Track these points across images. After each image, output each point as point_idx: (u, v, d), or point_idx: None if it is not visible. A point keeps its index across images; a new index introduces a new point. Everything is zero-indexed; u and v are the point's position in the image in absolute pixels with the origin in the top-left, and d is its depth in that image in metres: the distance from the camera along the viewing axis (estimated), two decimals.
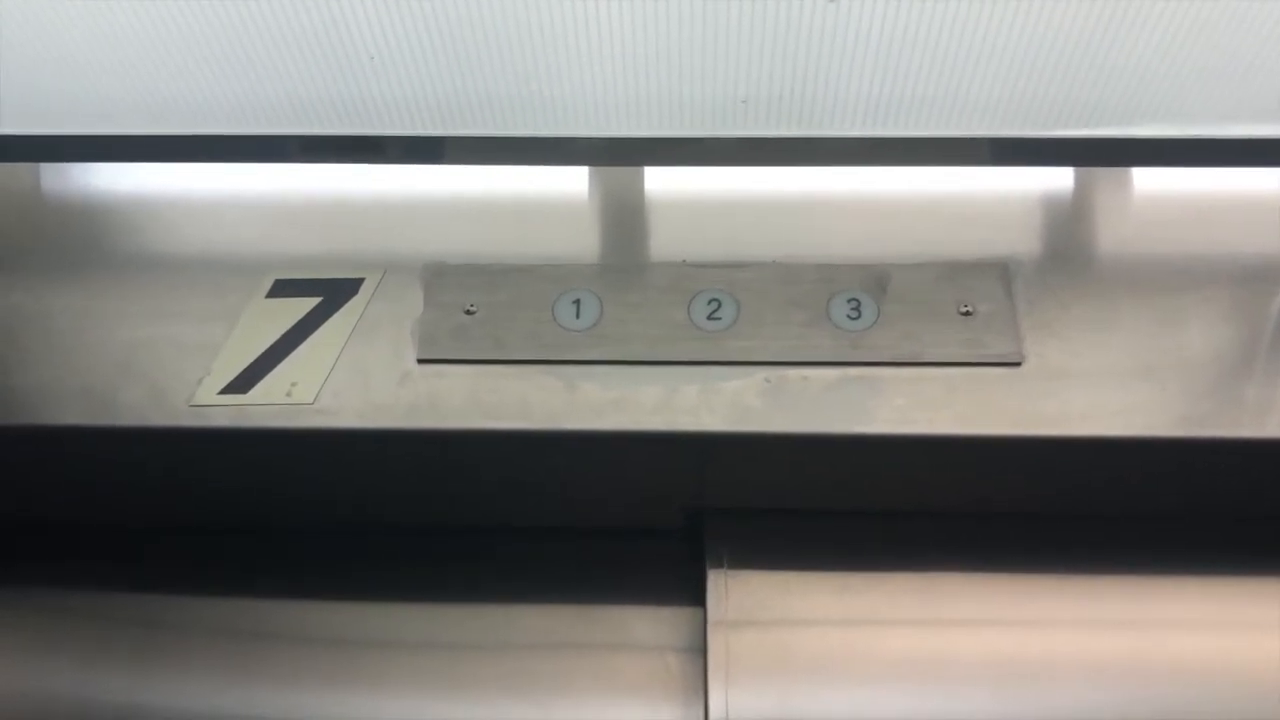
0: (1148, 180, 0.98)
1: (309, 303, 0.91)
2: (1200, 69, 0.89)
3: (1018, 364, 0.87)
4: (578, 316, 0.90)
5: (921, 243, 0.93)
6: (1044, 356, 0.87)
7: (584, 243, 0.96)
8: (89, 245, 0.97)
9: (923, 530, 0.92)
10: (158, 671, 0.91)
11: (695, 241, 0.94)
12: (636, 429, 0.85)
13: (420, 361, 0.88)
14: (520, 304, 0.90)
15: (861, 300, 0.89)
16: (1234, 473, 0.87)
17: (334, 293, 0.92)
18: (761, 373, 0.87)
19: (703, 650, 0.87)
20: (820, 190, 0.98)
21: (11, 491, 0.93)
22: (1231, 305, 0.89)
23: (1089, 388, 0.85)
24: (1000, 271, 0.91)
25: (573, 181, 1.00)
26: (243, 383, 0.87)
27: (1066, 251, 0.94)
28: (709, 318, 0.89)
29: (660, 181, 0.99)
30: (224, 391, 0.87)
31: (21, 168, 1.02)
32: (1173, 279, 0.90)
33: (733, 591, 0.89)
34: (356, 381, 0.87)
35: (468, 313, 0.90)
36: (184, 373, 0.88)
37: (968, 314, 0.89)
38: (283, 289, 0.93)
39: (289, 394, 0.87)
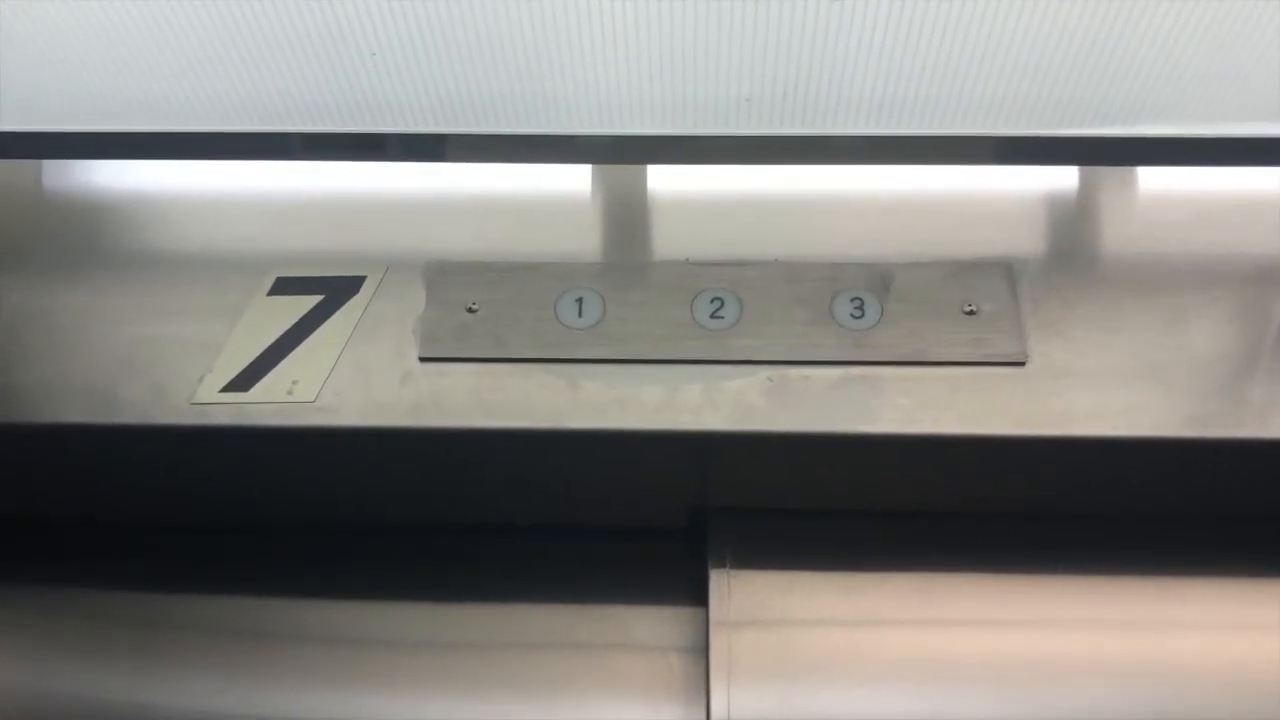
0: (1153, 179, 0.98)
1: (310, 300, 0.91)
2: (1206, 67, 0.89)
3: (1022, 363, 0.86)
4: (580, 315, 0.89)
5: (925, 242, 0.93)
6: (1048, 356, 0.86)
7: (586, 241, 0.95)
8: (90, 242, 0.97)
9: (926, 530, 0.92)
10: (158, 670, 0.91)
11: (698, 240, 0.93)
12: (639, 428, 0.85)
13: (422, 360, 0.88)
14: (522, 302, 0.90)
15: (865, 299, 0.89)
16: (1239, 473, 0.87)
17: (336, 291, 0.92)
18: (764, 372, 0.86)
19: (705, 650, 0.87)
20: (824, 189, 0.97)
21: (12, 489, 0.93)
22: (1237, 305, 0.89)
23: (1094, 387, 0.85)
24: (1004, 271, 0.91)
25: (575, 179, 1.00)
26: (244, 381, 0.87)
27: (1071, 251, 0.93)
28: (712, 316, 0.89)
29: (663, 180, 0.99)
30: (225, 389, 0.87)
31: (23, 165, 1.02)
32: (1178, 278, 0.90)
33: (735, 591, 0.89)
34: (358, 380, 0.87)
35: (470, 311, 0.90)
36: (185, 370, 0.88)
37: (972, 313, 0.88)
38: (284, 287, 0.92)
39: (290, 392, 0.87)
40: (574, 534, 0.97)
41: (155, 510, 0.96)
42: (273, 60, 0.91)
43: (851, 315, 0.89)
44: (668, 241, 0.95)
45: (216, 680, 0.90)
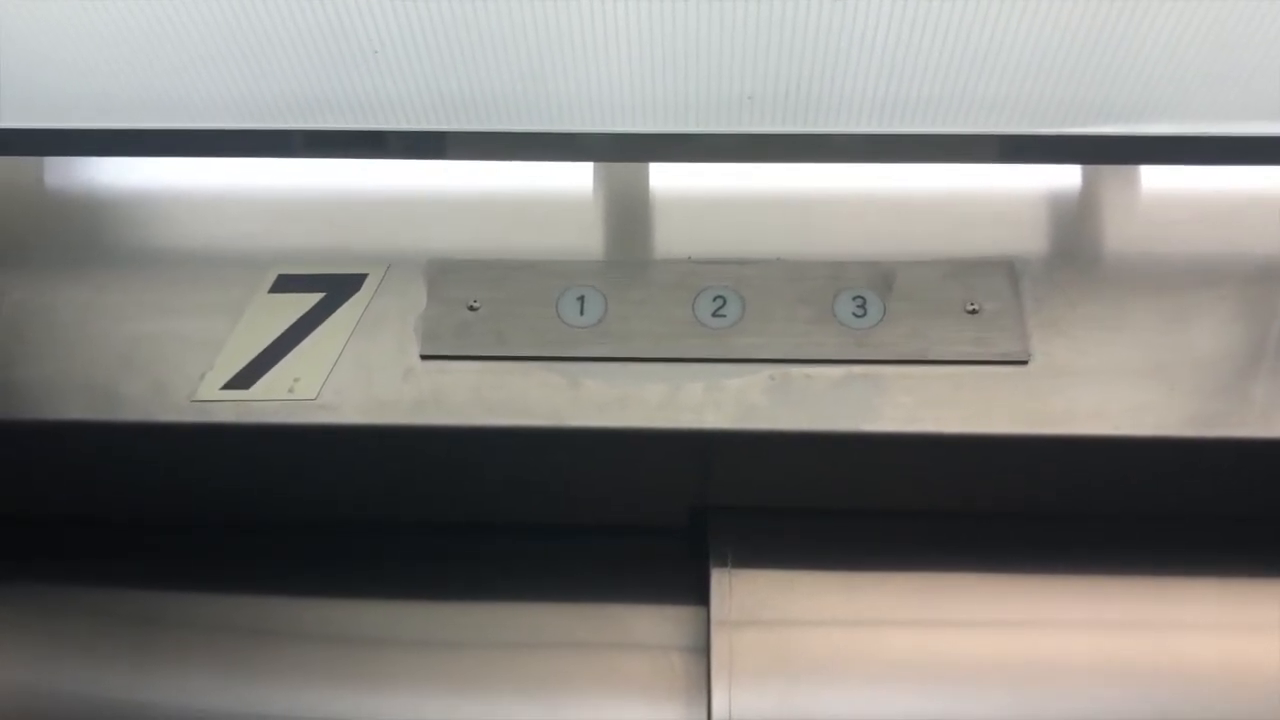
0: (1156, 178, 0.98)
1: (312, 298, 0.91)
2: (1208, 66, 0.89)
3: (1024, 362, 0.86)
4: (582, 313, 0.89)
5: (928, 240, 0.92)
6: (1051, 355, 0.86)
7: (588, 239, 0.95)
8: (92, 239, 0.97)
9: (928, 530, 0.92)
10: (158, 668, 0.91)
11: (700, 238, 0.93)
12: (640, 426, 0.85)
13: (423, 358, 0.88)
14: (524, 300, 0.90)
15: (867, 298, 0.89)
16: (1242, 473, 0.87)
17: (337, 288, 0.92)
18: (766, 370, 0.86)
19: (706, 649, 0.87)
20: (826, 187, 0.97)
21: (13, 486, 0.93)
22: (1240, 304, 0.88)
23: (1096, 386, 0.85)
24: (1007, 269, 0.90)
25: (577, 177, 1.00)
26: (245, 378, 0.87)
27: (1074, 250, 0.93)
28: (714, 315, 0.89)
29: (665, 178, 0.99)
30: (226, 387, 0.87)
31: (24, 162, 1.02)
32: (1181, 277, 0.90)
33: (736, 590, 0.89)
34: (359, 377, 0.87)
35: (471, 309, 0.90)
36: (186, 368, 0.88)
37: (974, 312, 0.88)
38: (286, 284, 0.92)
39: (291, 390, 0.87)
40: (575, 533, 0.97)
41: (156, 508, 0.96)
42: (274, 57, 0.91)
43: (854, 314, 0.88)
44: (669, 240, 0.95)
45: (216, 678, 0.90)
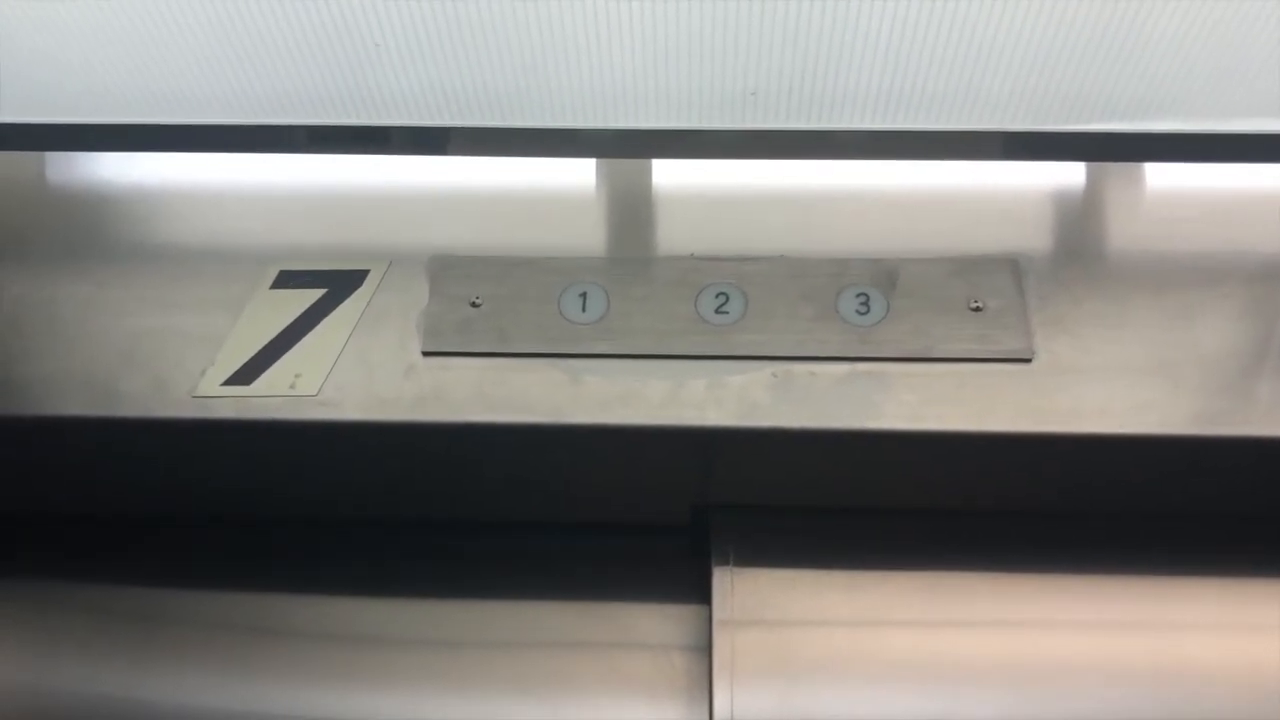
0: (1160, 176, 0.98)
1: (313, 294, 0.91)
2: (1214, 63, 0.89)
3: (1028, 360, 0.86)
4: (584, 310, 0.89)
5: (932, 237, 0.92)
6: (1055, 352, 0.86)
7: (591, 235, 0.95)
8: (93, 235, 0.97)
9: (931, 528, 0.91)
10: (157, 665, 0.90)
11: (703, 235, 0.93)
12: (642, 424, 0.84)
13: (425, 354, 0.88)
14: (526, 297, 0.90)
15: (870, 295, 0.89)
16: (1247, 471, 0.86)
17: (339, 284, 0.91)
18: (769, 367, 0.86)
19: (707, 648, 0.86)
20: (830, 184, 0.97)
21: (13, 483, 0.93)
22: (1245, 302, 0.88)
23: (1101, 384, 0.84)
24: (1011, 266, 0.90)
25: (580, 174, 1.00)
26: (246, 374, 0.87)
27: (1078, 247, 0.93)
28: (716, 311, 0.89)
29: (668, 174, 0.99)
30: (227, 383, 0.87)
31: (26, 157, 1.02)
32: (1185, 275, 0.90)
33: (738, 589, 0.88)
34: (361, 374, 0.87)
35: (473, 305, 0.90)
36: (187, 364, 0.88)
37: (978, 309, 0.88)
38: (287, 280, 0.92)
39: (293, 386, 0.86)
40: (576, 531, 0.96)
41: (155, 505, 0.96)
42: (276, 53, 0.91)
43: (857, 311, 0.88)
44: (672, 236, 0.95)
45: (215, 676, 0.89)
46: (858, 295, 0.89)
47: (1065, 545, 0.90)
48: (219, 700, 0.88)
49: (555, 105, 0.93)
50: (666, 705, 0.87)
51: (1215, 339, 0.86)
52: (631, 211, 0.98)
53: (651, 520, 0.95)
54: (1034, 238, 0.93)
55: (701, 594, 0.89)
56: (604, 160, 0.99)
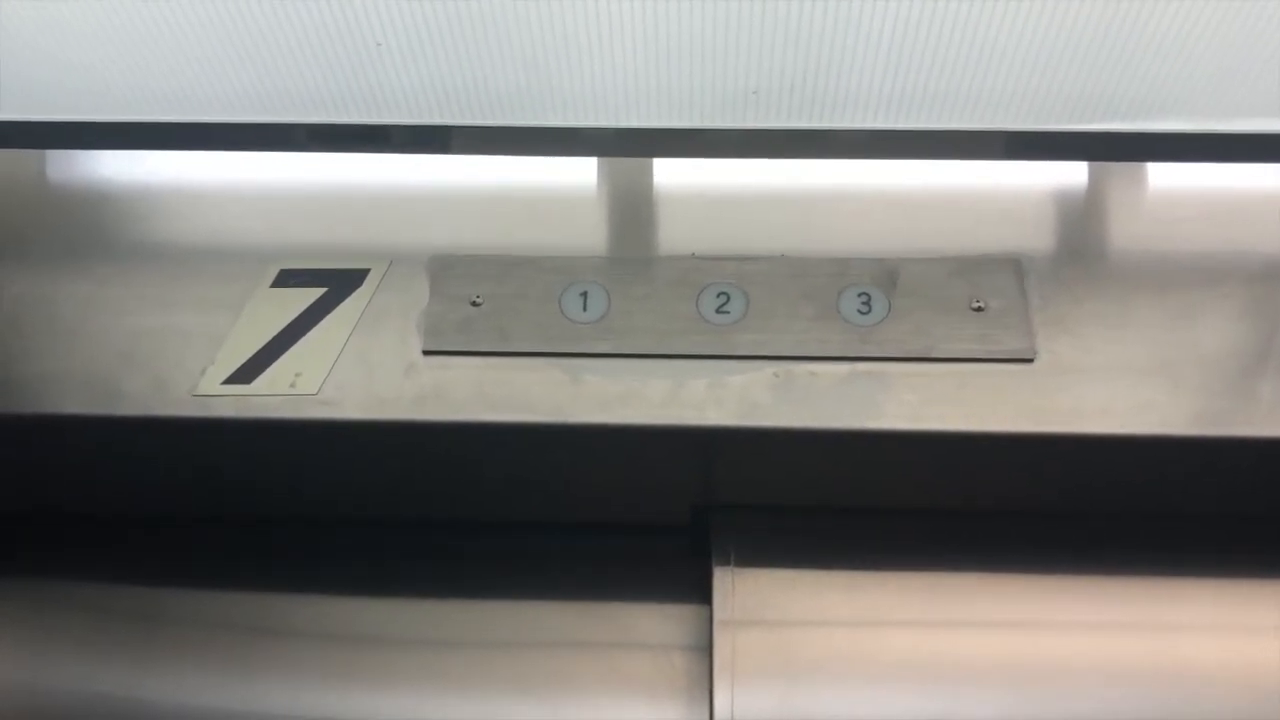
0: (1163, 176, 0.97)
1: (314, 293, 0.91)
2: (1216, 62, 0.89)
3: (1030, 360, 0.86)
4: (585, 309, 0.89)
5: (933, 237, 0.92)
6: (1056, 353, 0.86)
7: (591, 235, 0.95)
8: (93, 233, 0.97)
9: (932, 528, 0.91)
10: (157, 664, 0.90)
11: (704, 234, 0.93)
12: (643, 423, 0.84)
13: (425, 353, 0.88)
14: (527, 296, 0.90)
15: (872, 294, 0.89)
16: (1249, 471, 0.86)
17: (339, 283, 0.91)
18: (770, 367, 0.86)
19: (708, 649, 0.86)
20: (831, 183, 0.97)
21: (12, 481, 0.93)
22: (1247, 302, 0.88)
23: (1102, 384, 0.84)
24: (1013, 266, 0.90)
25: (581, 173, 0.99)
26: (246, 373, 0.87)
27: (1080, 247, 0.93)
28: (717, 311, 0.88)
29: (669, 173, 0.99)
30: (227, 382, 0.86)
31: (26, 155, 1.02)
32: (1187, 275, 0.90)
33: (739, 589, 0.88)
34: (361, 373, 0.87)
35: (474, 304, 0.90)
36: (187, 362, 0.88)
37: (979, 309, 0.88)
38: (287, 279, 0.92)
39: (293, 385, 0.86)
40: (576, 530, 0.96)
41: (155, 504, 0.96)
42: (277, 51, 0.91)
43: (858, 311, 0.88)
44: (673, 236, 0.95)
45: (215, 675, 0.89)
46: (859, 295, 0.89)
47: (1066, 546, 0.90)
48: (219, 700, 0.88)
49: (556, 104, 0.93)
50: (667, 705, 0.87)
51: (1217, 339, 0.86)
52: (633, 210, 0.98)
53: (652, 520, 0.95)
54: (1035, 237, 0.93)
55: (702, 594, 0.89)
56: (605, 159, 0.99)
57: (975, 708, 0.85)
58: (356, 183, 0.99)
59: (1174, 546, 0.90)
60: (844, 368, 0.86)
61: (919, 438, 0.84)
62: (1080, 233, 0.94)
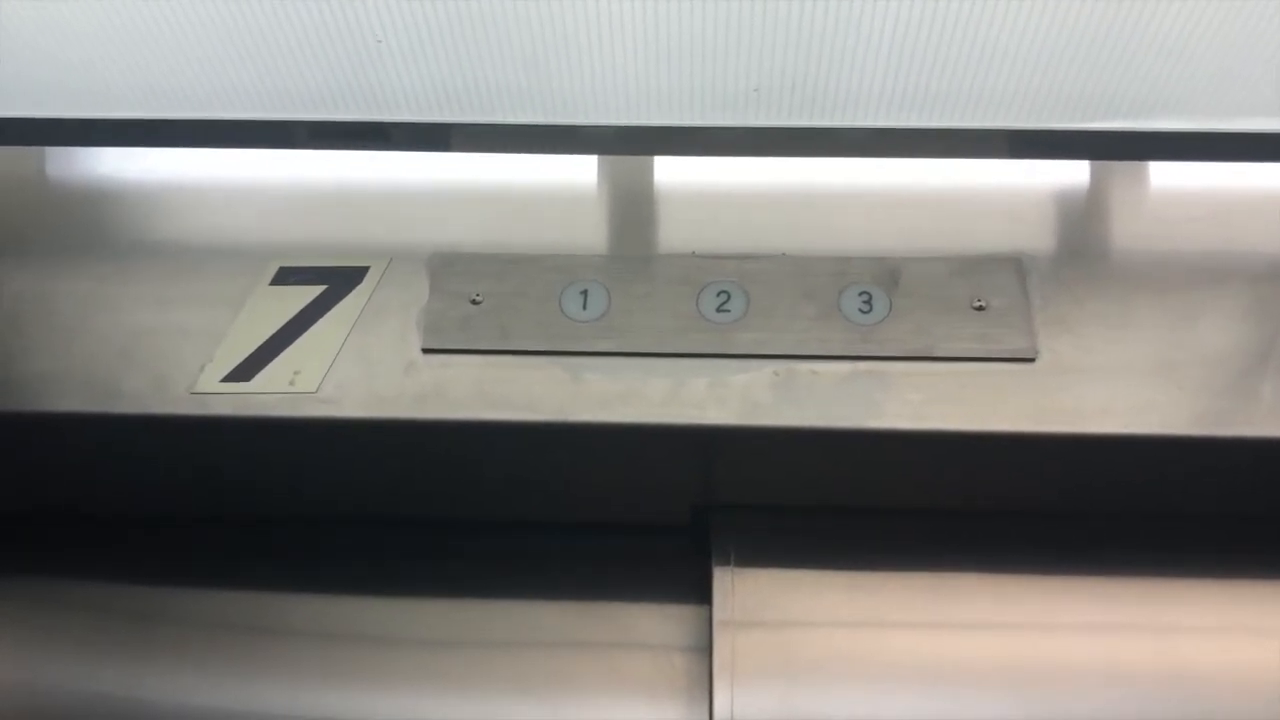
0: (1165, 175, 0.97)
1: (313, 291, 0.91)
2: (1218, 61, 0.89)
3: (1031, 360, 0.86)
4: (585, 307, 0.89)
5: (935, 236, 0.92)
6: (1058, 352, 0.86)
7: (592, 233, 0.95)
8: (93, 231, 0.97)
9: (933, 528, 0.91)
10: (156, 664, 0.90)
11: (705, 233, 0.93)
12: (643, 422, 0.84)
13: (425, 351, 0.88)
14: (527, 294, 0.90)
15: (873, 293, 0.88)
16: (1250, 472, 0.86)
17: (339, 281, 0.91)
18: (771, 366, 0.86)
19: (708, 649, 0.86)
20: (832, 182, 0.97)
21: (11, 480, 0.92)
22: (1249, 302, 0.88)
23: (1104, 384, 0.84)
24: (1014, 266, 0.90)
25: (581, 171, 0.99)
26: (245, 371, 0.87)
27: (1082, 246, 0.93)
28: (718, 310, 0.88)
29: (670, 171, 0.99)
30: (226, 379, 0.86)
31: (26, 152, 1.02)
32: (1189, 275, 0.90)
33: (739, 590, 0.88)
34: (360, 371, 0.87)
35: (474, 302, 0.89)
36: (186, 360, 0.87)
37: (981, 308, 0.88)
38: (287, 276, 0.92)
39: (292, 383, 0.86)
40: (576, 530, 0.96)
41: (154, 502, 0.96)
42: (278, 49, 0.91)
43: (859, 310, 0.88)
44: (674, 234, 0.94)
45: (214, 675, 0.89)
46: (860, 294, 0.89)
47: (1067, 546, 0.90)
48: (218, 699, 0.88)
49: (557, 102, 0.93)
50: (666, 706, 0.87)
51: (1218, 339, 0.86)
52: (633, 209, 0.97)
53: (652, 520, 0.94)
54: (1037, 237, 0.93)
55: (702, 594, 0.89)
56: (606, 157, 0.99)
57: (975, 708, 0.84)
58: (356, 180, 0.99)
59: (1175, 547, 0.90)
60: (845, 367, 0.86)
61: (920, 437, 0.83)
62: (1082, 232, 0.94)
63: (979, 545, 0.91)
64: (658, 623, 0.91)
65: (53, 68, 0.94)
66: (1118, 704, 0.84)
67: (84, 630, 0.92)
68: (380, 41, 0.89)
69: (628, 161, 0.99)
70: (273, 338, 0.88)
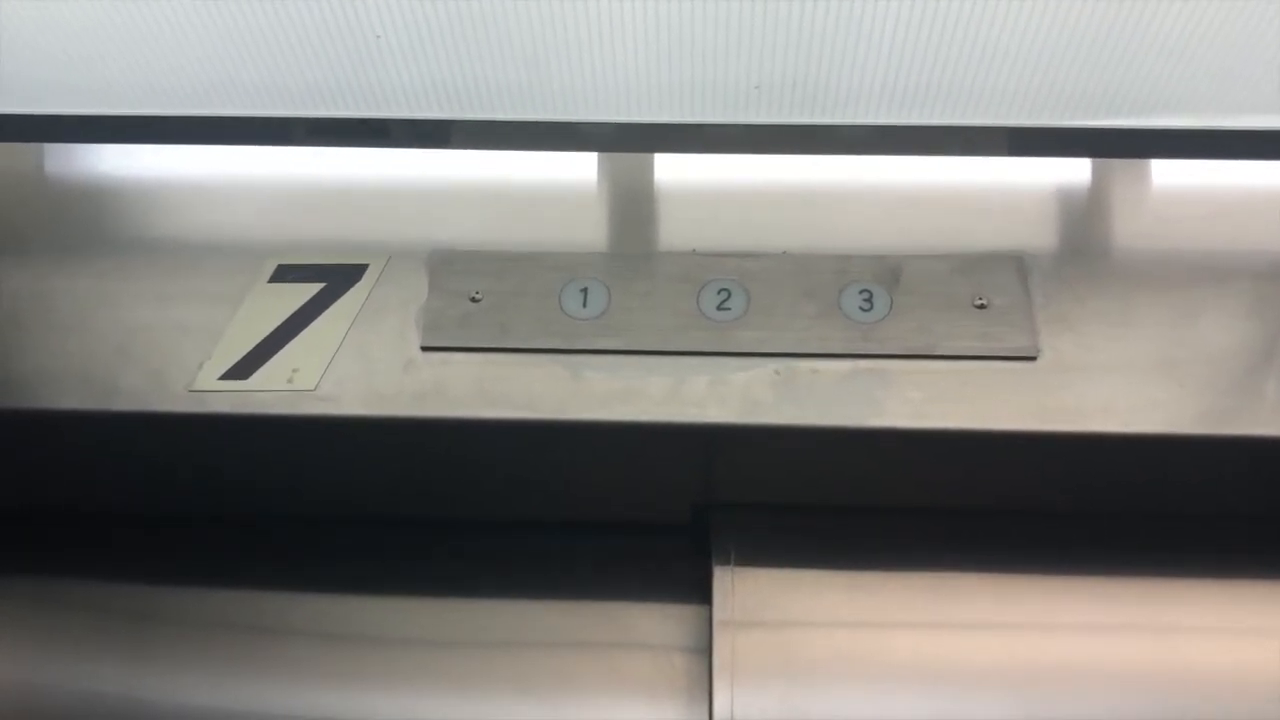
0: (1166, 173, 0.97)
1: (312, 288, 0.91)
2: (1219, 59, 0.88)
3: (1033, 358, 0.85)
4: (585, 305, 0.89)
5: (936, 234, 0.92)
6: (1059, 350, 0.86)
7: (592, 230, 0.95)
8: (91, 228, 0.97)
9: (934, 528, 0.91)
10: (154, 663, 0.90)
11: (705, 230, 0.93)
12: (643, 420, 0.84)
13: (424, 349, 0.87)
14: (527, 292, 0.89)
15: (874, 291, 0.88)
16: (1253, 470, 0.86)
17: (337, 278, 0.91)
18: (771, 364, 0.86)
19: (708, 649, 0.86)
20: (833, 179, 0.97)
21: (8, 478, 0.92)
22: (1251, 300, 0.88)
23: (1105, 382, 0.84)
24: (1016, 264, 0.90)
25: (581, 168, 0.99)
26: (243, 368, 0.86)
27: (1083, 244, 0.93)
28: (718, 308, 0.88)
29: (670, 169, 0.99)
30: (224, 377, 0.86)
31: (24, 149, 1.02)
32: (1191, 273, 0.89)
33: (739, 589, 0.88)
34: (359, 369, 0.86)
35: (473, 300, 0.89)
36: (184, 358, 0.87)
37: (982, 306, 0.88)
38: (285, 274, 0.92)
39: (290, 380, 0.86)
40: (576, 529, 0.96)
41: (152, 501, 0.96)
42: (276, 45, 0.91)
43: (860, 308, 0.88)
44: (674, 232, 0.94)
45: (213, 674, 0.89)
46: (861, 292, 0.88)
47: (1068, 545, 0.90)
48: (217, 699, 0.88)
49: (557, 99, 0.93)
50: (666, 706, 0.87)
51: (1221, 337, 0.86)
52: (633, 206, 0.97)
53: (652, 519, 0.94)
54: (1039, 235, 0.93)
55: (702, 594, 0.89)
56: (606, 154, 0.99)
57: (976, 708, 0.84)
58: (355, 177, 0.98)
59: (1176, 547, 0.90)
60: (846, 365, 0.86)
61: (921, 436, 0.83)
62: (1083, 230, 0.94)
63: (980, 545, 0.90)
64: (658, 622, 0.90)
65: (51, 64, 0.94)
66: (1118, 704, 0.84)
67: (82, 629, 0.91)
68: (380, 38, 0.89)
69: (628, 159, 0.99)
70: (271, 335, 0.88)
